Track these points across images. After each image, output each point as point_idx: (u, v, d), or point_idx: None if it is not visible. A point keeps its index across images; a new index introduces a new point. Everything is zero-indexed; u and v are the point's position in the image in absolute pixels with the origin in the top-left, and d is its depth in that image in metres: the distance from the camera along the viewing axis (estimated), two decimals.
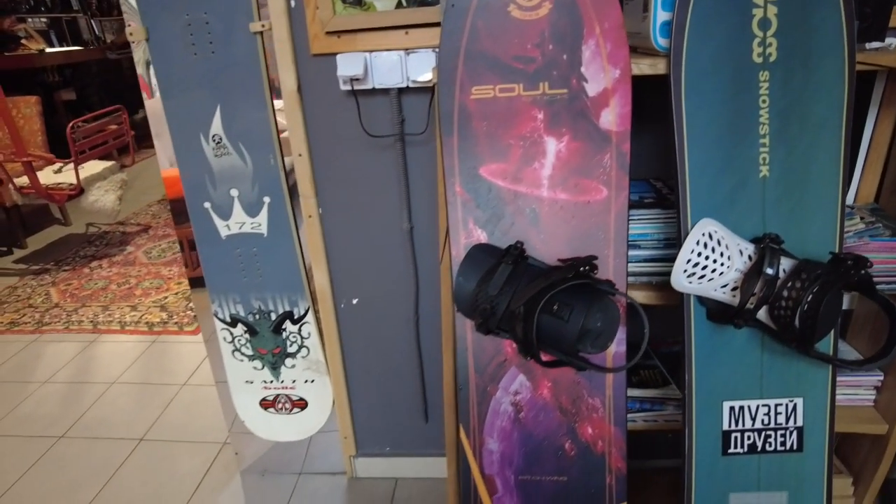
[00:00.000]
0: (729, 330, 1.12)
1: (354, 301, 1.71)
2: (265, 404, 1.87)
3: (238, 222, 1.63)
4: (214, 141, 1.56)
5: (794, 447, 1.15)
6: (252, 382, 1.84)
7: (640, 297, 1.26)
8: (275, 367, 1.80)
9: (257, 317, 1.73)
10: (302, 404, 1.85)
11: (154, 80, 1.56)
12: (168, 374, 2.54)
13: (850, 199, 1.43)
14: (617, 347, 1.11)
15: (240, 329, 1.76)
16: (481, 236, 1.13)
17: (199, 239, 1.66)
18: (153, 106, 1.63)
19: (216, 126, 1.54)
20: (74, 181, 3.27)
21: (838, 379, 1.45)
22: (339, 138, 1.52)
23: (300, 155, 1.54)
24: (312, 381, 1.82)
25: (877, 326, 1.47)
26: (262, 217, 1.61)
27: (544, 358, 1.06)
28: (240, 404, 1.88)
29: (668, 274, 1.26)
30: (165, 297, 3.15)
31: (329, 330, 1.74)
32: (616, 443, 1.11)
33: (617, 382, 1.10)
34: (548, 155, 1.11)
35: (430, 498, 1.85)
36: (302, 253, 1.65)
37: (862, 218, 1.30)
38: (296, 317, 1.72)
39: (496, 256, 1.08)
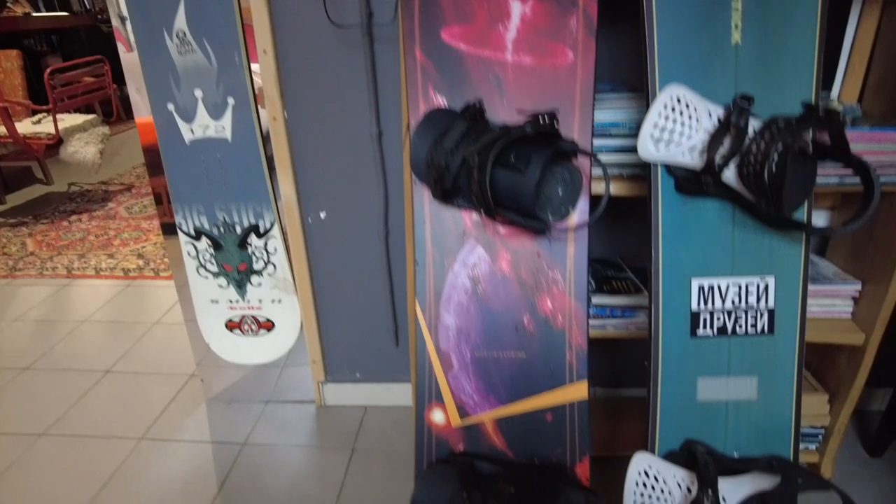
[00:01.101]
0: (698, 204, 1.07)
1: (322, 214, 1.66)
2: (231, 325, 1.82)
3: (202, 125, 1.57)
4: (178, 37, 1.50)
5: (766, 330, 1.10)
6: (217, 302, 1.79)
7: (612, 188, 1.21)
8: (240, 286, 1.75)
9: (222, 230, 1.68)
10: (269, 326, 1.80)
11: (131, 35, 1.52)
12: (141, 314, 2.49)
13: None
14: (579, 218, 1.06)
15: (204, 243, 1.71)
16: (441, 104, 1.08)
17: (163, 144, 1.61)
18: (130, 60, 1.58)
19: (180, 20, 1.49)
20: (53, 131, 3.22)
21: (813, 289, 1.41)
22: (306, 34, 1.47)
23: (265, 52, 1.49)
24: (279, 300, 1.77)
25: (857, 241, 1.42)
26: (227, 120, 1.56)
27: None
28: (205, 326, 1.82)
29: (642, 165, 1.22)
30: (143, 247, 3.10)
31: (296, 245, 1.68)
32: (577, 318, 1.06)
33: (578, 254, 1.05)
34: (512, 17, 1.06)
35: (401, 427, 1.80)
36: (267, 161, 1.60)
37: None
38: (261, 230, 1.67)
39: (454, 117, 1.03)
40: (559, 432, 1.07)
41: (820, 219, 1.56)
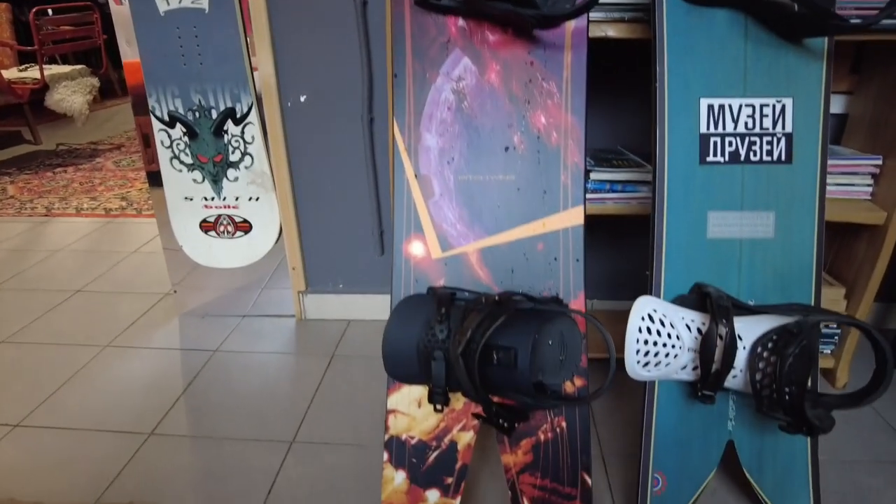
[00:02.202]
0: (707, 15, 0.97)
1: (302, 98, 1.56)
2: (206, 226, 1.70)
3: None
4: None
5: (783, 158, 0.99)
6: (192, 199, 1.68)
7: (612, 32, 1.11)
8: (216, 180, 1.64)
9: (197, 115, 1.58)
10: (246, 227, 1.69)
11: None
12: (119, 244, 2.37)
13: None
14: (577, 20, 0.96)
15: (178, 130, 1.60)
16: None
17: (137, 17, 1.51)
18: (121, 12, 1.51)
19: None
20: (38, 76, 3.13)
21: (832, 164, 1.30)
22: None
23: None
24: (257, 198, 1.66)
25: (876, 115, 1.32)
26: None
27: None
28: (178, 226, 1.71)
29: (642, 7, 1.12)
30: (128, 192, 2.99)
31: (274, 133, 1.58)
32: (574, 134, 0.95)
33: (576, 63, 0.95)
34: None
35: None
36: (246, 36, 1.50)
37: None
38: (238, 115, 1.57)
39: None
40: (551, 263, 0.95)
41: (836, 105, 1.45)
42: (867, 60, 1.37)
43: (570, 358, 0.92)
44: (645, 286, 1.01)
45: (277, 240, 1.70)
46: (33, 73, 3.15)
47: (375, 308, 1.75)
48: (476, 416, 0.91)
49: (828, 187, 1.31)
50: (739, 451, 1.03)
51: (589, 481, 0.95)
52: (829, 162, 1.30)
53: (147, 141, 1.65)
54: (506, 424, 0.83)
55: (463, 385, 0.81)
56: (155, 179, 1.69)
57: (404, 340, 0.89)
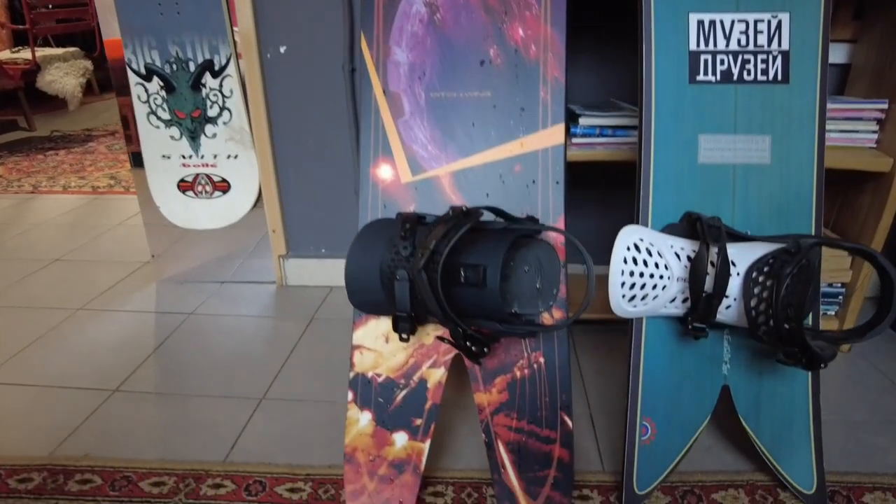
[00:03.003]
0: None
1: (282, 49, 1.50)
2: (184, 186, 1.64)
3: None
4: None
5: (779, 77, 0.92)
6: (169, 158, 1.62)
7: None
8: (194, 137, 1.59)
9: (175, 67, 1.52)
10: (224, 186, 1.63)
11: None
12: (103, 219, 2.32)
13: None
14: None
15: (155, 84, 1.55)
16: None
17: None
18: None
19: None
20: (30, 57, 3.10)
21: (833, 108, 1.23)
22: None
23: None
24: (236, 156, 1.60)
25: (880, 58, 1.25)
26: None
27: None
28: (156, 186, 1.65)
29: None
30: (118, 171, 2.94)
31: (253, 86, 1.52)
32: (554, 47, 0.88)
33: None
34: None
35: None
36: None
37: None
38: (217, 67, 1.51)
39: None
40: (529, 186, 0.88)
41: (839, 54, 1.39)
42: (870, 6, 1.31)
43: (547, 286, 0.85)
44: None
45: (257, 200, 1.64)
46: (25, 54, 3.12)
47: None
48: (441, 338, 0.84)
49: (830, 135, 1.25)
50: (735, 396, 0.95)
51: (570, 423, 0.87)
52: (831, 107, 1.24)
53: (127, 123, 1.61)
54: (474, 348, 0.76)
55: (428, 304, 0.74)
56: (138, 160, 1.65)
57: (367, 264, 0.82)
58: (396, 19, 0.90)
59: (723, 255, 0.82)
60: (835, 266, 1.33)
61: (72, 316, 1.57)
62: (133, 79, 1.55)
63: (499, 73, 0.89)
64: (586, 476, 1.01)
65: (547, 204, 0.88)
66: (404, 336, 0.81)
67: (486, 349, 0.78)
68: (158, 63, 1.52)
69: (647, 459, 0.95)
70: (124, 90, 1.58)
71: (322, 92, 1.52)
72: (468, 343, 0.76)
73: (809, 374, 0.95)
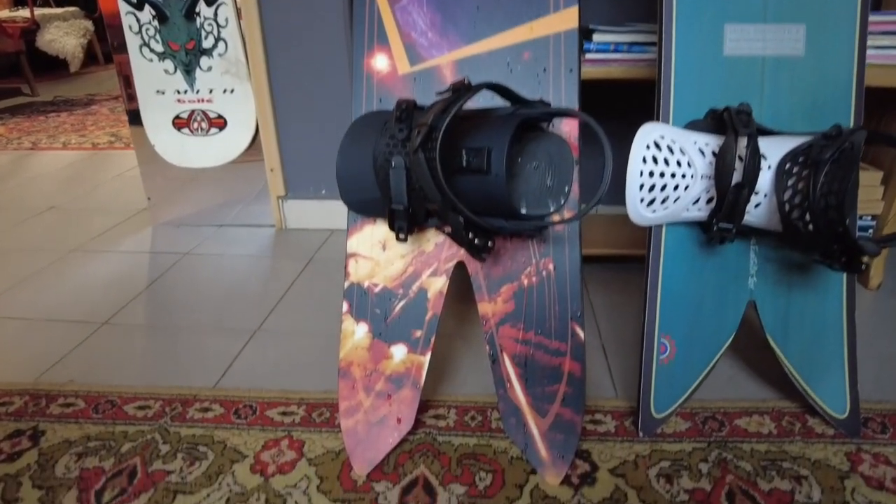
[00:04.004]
0: None
1: None
2: (179, 123, 1.58)
3: None
4: None
5: None
6: (163, 93, 1.55)
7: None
8: (189, 70, 1.52)
9: None
10: (220, 123, 1.56)
11: None
12: (101, 171, 2.26)
13: None
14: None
15: (147, 14, 1.47)
16: None
17: None
18: None
19: None
20: (29, 16, 3.04)
21: (875, 20, 1.13)
22: None
23: None
24: (232, 90, 1.53)
25: None
26: None
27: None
28: (150, 124, 1.59)
29: None
30: (119, 130, 2.89)
31: (250, 15, 1.44)
32: None
33: None
34: None
35: None
36: None
37: None
38: None
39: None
40: (539, 76, 0.81)
41: None
42: None
43: (558, 184, 0.78)
44: None
45: (254, 138, 1.57)
46: (24, 13, 3.06)
47: None
48: (440, 228, 0.77)
49: (867, 51, 1.16)
50: (762, 312, 0.87)
51: (581, 334, 0.80)
52: (870, 19, 1.14)
53: (126, 80, 1.55)
54: (478, 242, 0.69)
55: (426, 191, 0.67)
56: (136, 118, 1.60)
57: (359, 155, 0.75)
58: None
59: (753, 142, 0.74)
60: (865, 197, 1.24)
61: (63, 257, 1.52)
62: (124, 7, 1.48)
63: None
64: (599, 402, 0.94)
65: (559, 94, 0.80)
66: (402, 236, 0.74)
67: (490, 244, 0.70)
68: None
69: (666, 380, 0.87)
70: (122, 48, 1.51)
71: (321, 22, 1.44)
72: (471, 236, 0.68)
73: (844, 288, 0.87)
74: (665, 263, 0.86)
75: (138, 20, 1.48)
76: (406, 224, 0.73)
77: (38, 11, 3.06)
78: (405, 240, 0.74)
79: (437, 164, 0.64)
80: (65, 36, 3.14)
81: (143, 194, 1.72)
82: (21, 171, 2.30)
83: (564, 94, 0.80)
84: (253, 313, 1.23)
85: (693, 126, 0.84)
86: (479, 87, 0.66)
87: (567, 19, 0.80)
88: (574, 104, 0.80)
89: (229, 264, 1.46)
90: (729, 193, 0.75)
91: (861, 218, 1.27)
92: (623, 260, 1.41)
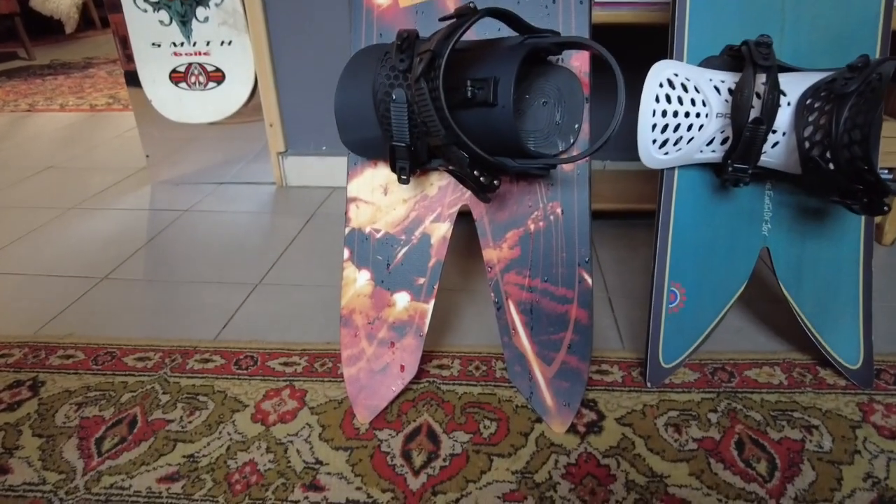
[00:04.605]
0: None
1: None
2: (176, 77, 1.54)
3: None
4: None
5: None
6: (159, 46, 1.51)
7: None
8: (185, 21, 1.47)
9: None
10: (219, 77, 1.52)
11: None
12: (99, 132, 2.23)
13: None
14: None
15: None
16: None
17: None
18: None
19: None
20: None
21: None
22: None
23: None
24: (230, 42, 1.48)
25: None
26: None
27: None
28: (146, 78, 1.55)
29: None
30: (118, 92, 2.84)
31: None
32: None
33: None
34: None
35: None
36: None
37: None
38: None
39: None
40: (548, 6, 0.76)
41: None
42: None
43: (567, 121, 0.74)
44: None
45: (253, 92, 1.53)
46: None
47: None
48: (444, 168, 0.74)
49: None
50: (775, 259, 0.85)
51: (589, 280, 0.78)
52: None
53: (124, 42, 1.50)
54: (483, 179, 0.66)
55: (429, 125, 0.64)
56: (133, 80, 1.55)
57: (358, 90, 0.71)
58: None
59: (773, 76, 0.70)
60: (886, 148, 1.20)
61: (62, 215, 1.50)
62: None
63: None
64: (605, 353, 0.92)
65: (569, 27, 0.76)
66: (403, 177, 0.71)
67: (496, 182, 0.68)
68: None
69: (675, 329, 0.85)
70: (117, 7, 1.46)
71: None
72: (476, 173, 0.65)
73: (862, 235, 0.84)
74: (676, 209, 0.83)
75: None
76: (408, 163, 0.70)
77: None
78: (407, 181, 0.72)
79: (440, 94, 0.60)
80: None
81: (141, 154, 1.69)
82: (18, 132, 2.27)
83: (574, 27, 0.76)
84: (254, 268, 1.21)
85: (709, 63, 0.80)
86: (484, 13, 0.62)
87: None
88: (585, 34, 0.76)
89: (230, 220, 1.44)
90: (745, 131, 0.72)
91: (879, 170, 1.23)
92: (630, 215, 1.38)
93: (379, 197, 0.80)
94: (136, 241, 1.34)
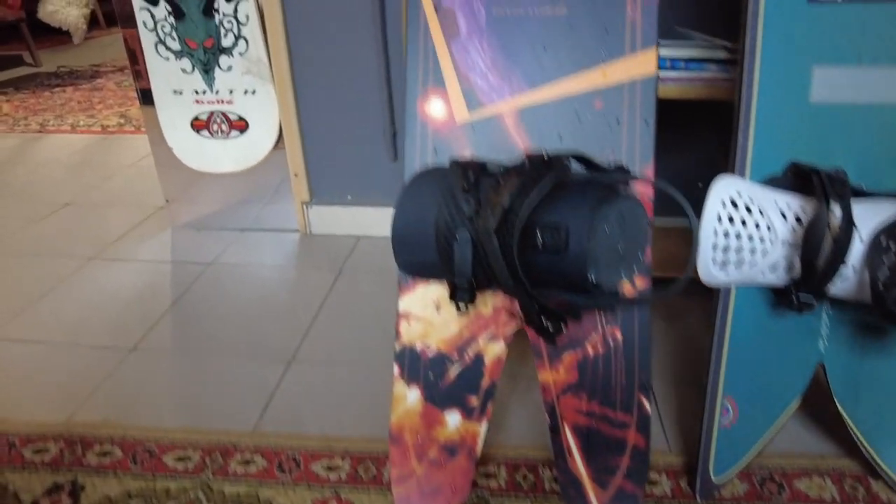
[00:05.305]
0: None
1: None
2: (198, 125, 1.50)
3: None
4: None
5: None
6: (181, 93, 1.47)
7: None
8: (207, 70, 1.43)
9: None
10: (242, 125, 1.49)
11: None
12: (114, 159, 2.20)
13: None
14: None
15: (163, 9, 1.38)
16: None
17: None
18: None
19: None
20: None
21: None
22: None
23: None
24: (254, 91, 1.45)
25: None
26: None
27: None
28: (167, 124, 1.52)
29: None
30: (128, 110, 2.80)
31: (272, 11, 1.35)
32: None
33: None
34: None
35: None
36: None
37: None
38: None
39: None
40: (612, 127, 0.74)
41: None
42: None
43: (630, 249, 0.72)
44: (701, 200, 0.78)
45: (278, 140, 1.50)
46: None
47: (388, 222, 1.55)
48: (514, 312, 0.72)
49: None
50: (831, 376, 0.83)
51: (647, 406, 0.76)
52: None
53: (134, 57, 1.46)
54: (551, 326, 0.64)
55: (497, 273, 0.62)
56: (147, 97, 1.51)
57: (419, 219, 0.69)
58: None
59: (847, 215, 0.68)
60: None
61: (84, 265, 1.48)
62: (138, 3, 1.38)
63: None
64: (652, 455, 0.91)
65: (633, 148, 0.73)
66: (462, 307, 0.69)
67: (564, 326, 0.66)
68: None
69: (726, 444, 0.84)
70: (129, 21, 1.42)
71: (350, 18, 1.35)
72: (543, 319, 0.63)
73: None
74: (733, 322, 0.81)
75: (153, 16, 1.39)
76: (469, 296, 0.68)
77: None
78: (465, 311, 0.69)
79: (514, 252, 0.58)
80: (67, 6, 3.01)
81: (157, 186, 1.65)
82: (31, 157, 2.24)
83: (639, 149, 0.73)
84: (286, 337, 1.19)
85: (771, 182, 0.77)
86: (563, 166, 0.60)
87: (645, 62, 0.73)
88: (649, 159, 0.73)
89: (256, 276, 1.42)
90: (815, 271, 0.69)
91: None
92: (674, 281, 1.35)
93: (431, 313, 0.78)
94: (161, 301, 1.32)
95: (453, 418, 0.79)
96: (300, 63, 1.42)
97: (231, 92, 1.45)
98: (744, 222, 0.75)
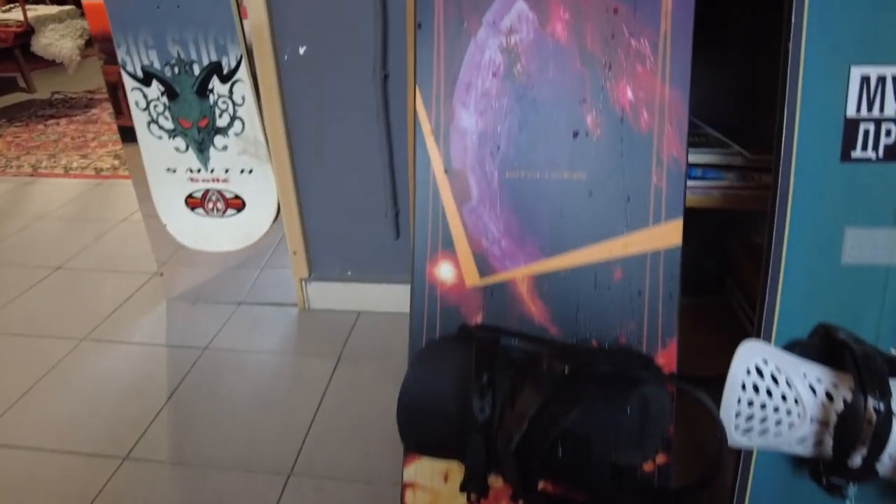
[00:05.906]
0: None
1: (301, 50, 1.27)
2: (192, 203, 1.46)
3: None
4: None
5: None
6: (175, 171, 1.43)
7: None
8: (202, 149, 1.38)
9: (176, 70, 1.30)
10: (238, 204, 1.44)
11: None
12: (106, 211, 2.15)
13: None
14: None
15: (156, 89, 1.33)
16: None
17: None
18: None
19: None
20: (22, 18, 2.84)
21: None
22: None
23: None
24: (250, 171, 1.40)
25: None
26: None
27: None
28: (161, 201, 1.47)
29: None
30: (121, 148, 2.74)
31: (269, 93, 1.30)
32: (673, 114, 0.67)
33: (679, 8, 0.66)
34: None
35: (403, 333, 1.44)
36: None
37: None
38: (225, 71, 1.29)
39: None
40: (633, 299, 0.69)
41: None
42: None
43: (652, 429, 0.68)
44: (707, 283, 0.75)
45: (275, 219, 1.45)
46: (17, 14, 2.86)
47: (389, 298, 1.51)
48: None
49: None
50: None
51: None
52: None
53: (115, 92, 1.38)
54: None
55: (512, 485, 0.57)
56: (128, 136, 1.42)
57: (428, 406, 0.65)
58: (463, 71, 0.69)
59: (887, 404, 0.63)
60: None
61: (76, 348, 1.43)
62: (130, 83, 1.33)
63: (597, 148, 0.68)
64: None
65: (655, 323, 0.69)
66: (473, 498, 0.64)
67: None
68: (158, 65, 1.30)
69: None
70: (112, 59, 1.33)
71: (348, 98, 1.31)
72: None
73: None
74: (753, 485, 0.77)
75: (146, 96, 1.34)
76: (481, 488, 0.64)
77: (32, 12, 2.86)
78: (477, 502, 0.65)
79: (536, 475, 0.54)
80: (61, 39, 2.94)
81: (149, 244, 1.59)
82: (24, 209, 2.19)
83: (661, 323, 0.69)
84: (284, 443, 1.15)
85: (797, 347, 0.73)
86: (592, 373, 0.55)
87: (669, 234, 0.68)
88: (671, 333, 0.69)
89: (254, 364, 1.37)
90: (849, 457, 0.65)
91: None
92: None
93: (439, 484, 0.74)
94: (156, 394, 1.28)
95: None
96: (299, 142, 1.37)
97: (227, 171, 1.40)
98: (769, 393, 0.70)
